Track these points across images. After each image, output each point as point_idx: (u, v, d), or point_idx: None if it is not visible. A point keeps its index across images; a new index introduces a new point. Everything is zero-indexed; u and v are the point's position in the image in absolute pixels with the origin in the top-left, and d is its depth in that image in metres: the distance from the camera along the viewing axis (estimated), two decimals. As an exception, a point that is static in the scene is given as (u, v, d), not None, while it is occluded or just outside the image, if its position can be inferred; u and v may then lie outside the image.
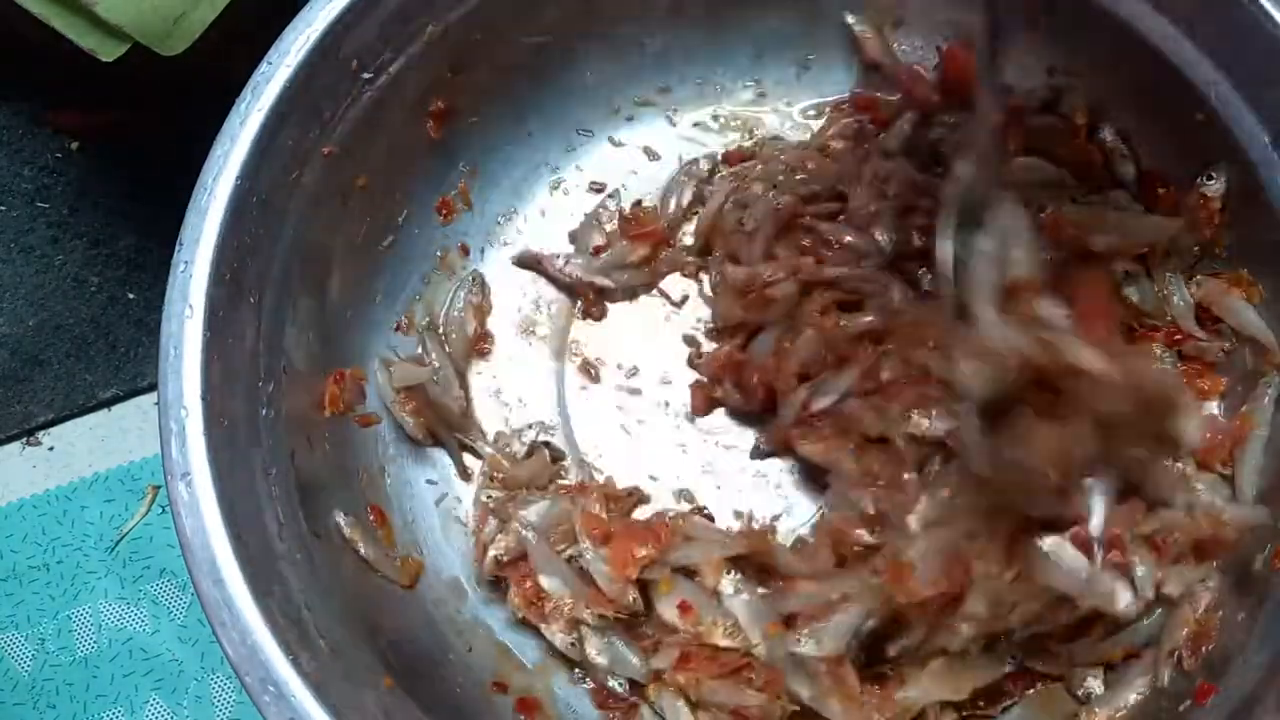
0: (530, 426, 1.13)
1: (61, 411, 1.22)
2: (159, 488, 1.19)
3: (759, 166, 1.16)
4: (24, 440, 1.22)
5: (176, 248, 0.89)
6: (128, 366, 1.23)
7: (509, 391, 1.14)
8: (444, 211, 1.13)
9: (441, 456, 1.11)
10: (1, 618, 1.16)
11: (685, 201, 1.17)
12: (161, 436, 0.85)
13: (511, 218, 1.18)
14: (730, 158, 1.19)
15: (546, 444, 1.11)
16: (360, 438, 1.06)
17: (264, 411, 0.93)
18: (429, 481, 1.10)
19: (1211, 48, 0.97)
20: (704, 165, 1.18)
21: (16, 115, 1.31)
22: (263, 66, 0.92)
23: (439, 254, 1.14)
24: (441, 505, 1.10)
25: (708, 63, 1.18)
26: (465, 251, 1.16)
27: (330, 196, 1.00)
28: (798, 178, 1.13)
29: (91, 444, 1.22)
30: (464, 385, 1.12)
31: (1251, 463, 0.99)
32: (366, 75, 0.98)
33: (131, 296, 1.25)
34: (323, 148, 0.97)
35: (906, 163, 1.12)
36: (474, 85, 1.08)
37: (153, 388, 1.16)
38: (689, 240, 1.17)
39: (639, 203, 1.18)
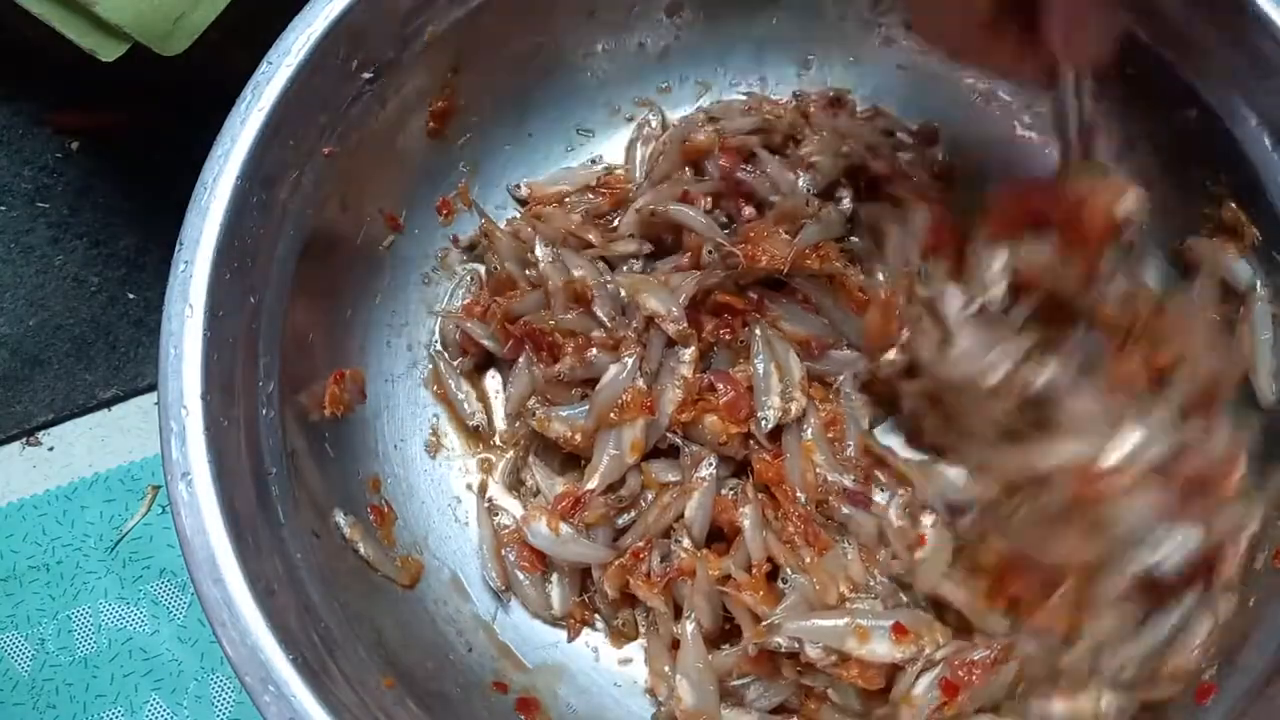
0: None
1: (61, 411, 1.22)
2: (159, 488, 1.19)
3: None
4: (24, 440, 1.22)
5: (176, 247, 0.89)
6: (128, 366, 1.23)
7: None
8: (444, 211, 1.14)
9: (441, 457, 1.12)
10: (1, 618, 1.16)
11: (642, 159, 1.19)
12: (161, 436, 0.85)
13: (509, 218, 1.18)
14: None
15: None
16: (360, 438, 1.06)
17: (264, 411, 0.93)
18: (429, 481, 1.10)
19: (1213, 50, 0.97)
20: (654, 123, 1.19)
21: (16, 115, 1.31)
22: (263, 66, 0.92)
23: (439, 254, 1.14)
24: (442, 505, 1.10)
25: (708, 62, 1.19)
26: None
27: (330, 196, 0.99)
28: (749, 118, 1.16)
29: (91, 444, 1.22)
30: (482, 397, 1.14)
31: (1265, 368, 1.00)
32: (366, 75, 0.98)
33: (131, 296, 1.25)
34: (323, 148, 0.97)
35: (874, 128, 1.15)
36: (474, 85, 1.09)
37: (152, 388, 1.17)
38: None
39: (609, 169, 1.19)
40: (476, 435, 1.13)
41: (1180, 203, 1.06)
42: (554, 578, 1.07)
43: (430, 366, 1.13)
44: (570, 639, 1.07)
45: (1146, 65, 1.00)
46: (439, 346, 1.14)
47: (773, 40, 1.16)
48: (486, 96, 1.11)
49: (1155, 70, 1.00)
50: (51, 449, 1.22)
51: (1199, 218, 1.05)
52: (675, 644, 1.02)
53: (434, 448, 1.11)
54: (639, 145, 1.18)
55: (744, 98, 1.18)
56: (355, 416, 1.06)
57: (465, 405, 1.12)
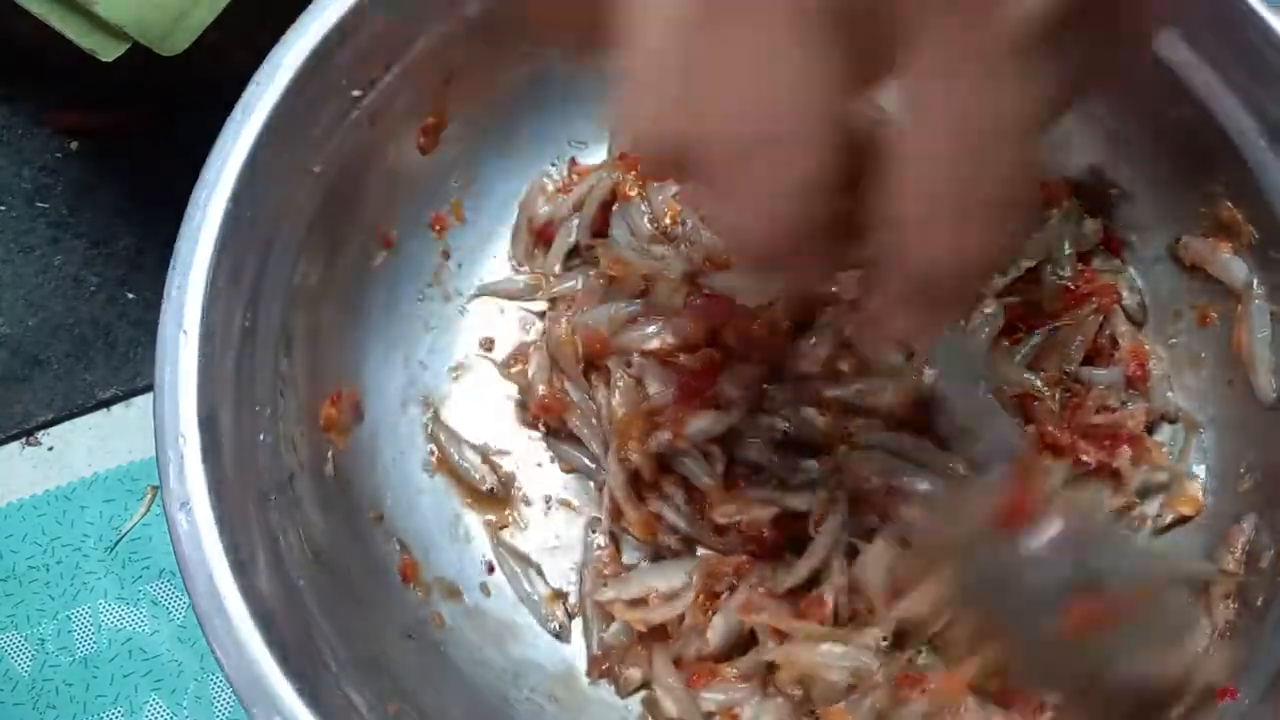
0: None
1: (61, 411, 1.23)
2: (158, 488, 1.19)
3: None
4: (23, 440, 1.23)
5: (169, 270, 0.89)
6: (127, 366, 1.24)
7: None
8: (438, 227, 1.13)
9: (441, 477, 1.12)
10: (1, 618, 1.17)
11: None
12: (159, 465, 0.85)
13: (504, 232, 1.18)
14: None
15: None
16: (359, 458, 1.06)
17: (262, 436, 0.93)
18: (430, 499, 1.10)
19: (1208, 49, 0.97)
20: None
21: (16, 115, 1.31)
22: (251, 87, 0.92)
23: (433, 270, 1.14)
24: (442, 523, 1.10)
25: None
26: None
27: (322, 215, 0.99)
28: None
29: (91, 444, 1.23)
30: (488, 460, 1.12)
31: (1264, 366, 1.01)
32: (357, 93, 0.98)
33: (131, 296, 1.26)
34: (314, 166, 0.97)
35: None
36: (467, 98, 1.08)
37: (152, 388, 1.17)
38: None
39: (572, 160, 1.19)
40: (492, 498, 1.11)
41: (1176, 202, 1.08)
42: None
43: (431, 446, 1.13)
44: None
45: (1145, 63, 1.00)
46: (430, 419, 1.13)
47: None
48: (479, 110, 1.11)
49: (1151, 69, 1.00)
50: (51, 449, 1.22)
51: (1196, 217, 1.06)
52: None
53: (433, 466, 1.11)
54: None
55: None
56: (353, 437, 1.06)
57: (473, 472, 1.10)
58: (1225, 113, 0.98)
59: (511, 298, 1.16)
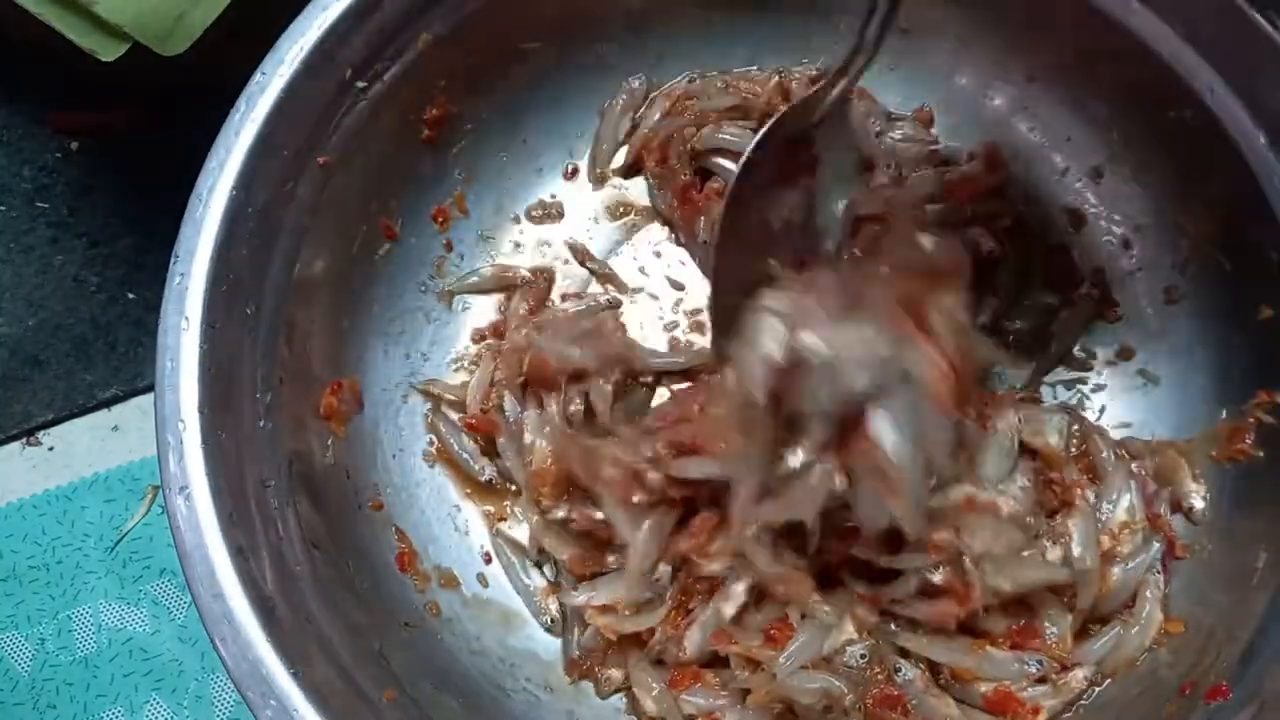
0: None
1: (61, 411, 1.23)
2: (159, 487, 1.19)
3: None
4: (24, 440, 1.23)
5: (172, 260, 0.89)
6: (128, 366, 1.24)
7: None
8: (440, 220, 1.13)
9: (441, 467, 1.12)
10: (1, 618, 1.17)
11: (621, 134, 1.18)
12: (159, 450, 0.85)
13: (507, 225, 1.18)
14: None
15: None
16: (359, 448, 1.06)
17: (262, 423, 0.93)
18: (429, 491, 1.10)
19: (1208, 50, 0.97)
20: (636, 84, 1.18)
21: (16, 115, 1.31)
22: (256, 77, 0.92)
23: (435, 262, 1.14)
24: (442, 514, 1.10)
25: (703, 64, 1.18)
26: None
27: (325, 206, 0.99)
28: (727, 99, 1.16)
29: (91, 444, 1.23)
30: (488, 452, 1.11)
31: None
32: (361, 84, 0.98)
33: (131, 296, 1.26)
34: (317, 157, 0.97)
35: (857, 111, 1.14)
36: (469, 92, 1.09)
37: (152, 388, 1.17)
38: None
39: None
40: (491, 489, 1.11)
41: (1175, 203, 1.07)
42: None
43: (430, 437, 1.12)
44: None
45: (1145, 64, 1.00)
46: (430, 409, 1.13)
47: (768, 43, 1.16)
48: (481, 103, 1.11)
49: (1151, 70, 1.00)
50: (51, 449, 1.22)
51: (1195, 216, 1.06)
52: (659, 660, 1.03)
53: (433, 457, 1.11)
54: (617, 107, 1.18)
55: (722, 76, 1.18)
56: (353, 426, 1.06)
57: (472, 462, 1.10)
58: (1227, 114, 0.97)
59: (480, 292, 1.16)
